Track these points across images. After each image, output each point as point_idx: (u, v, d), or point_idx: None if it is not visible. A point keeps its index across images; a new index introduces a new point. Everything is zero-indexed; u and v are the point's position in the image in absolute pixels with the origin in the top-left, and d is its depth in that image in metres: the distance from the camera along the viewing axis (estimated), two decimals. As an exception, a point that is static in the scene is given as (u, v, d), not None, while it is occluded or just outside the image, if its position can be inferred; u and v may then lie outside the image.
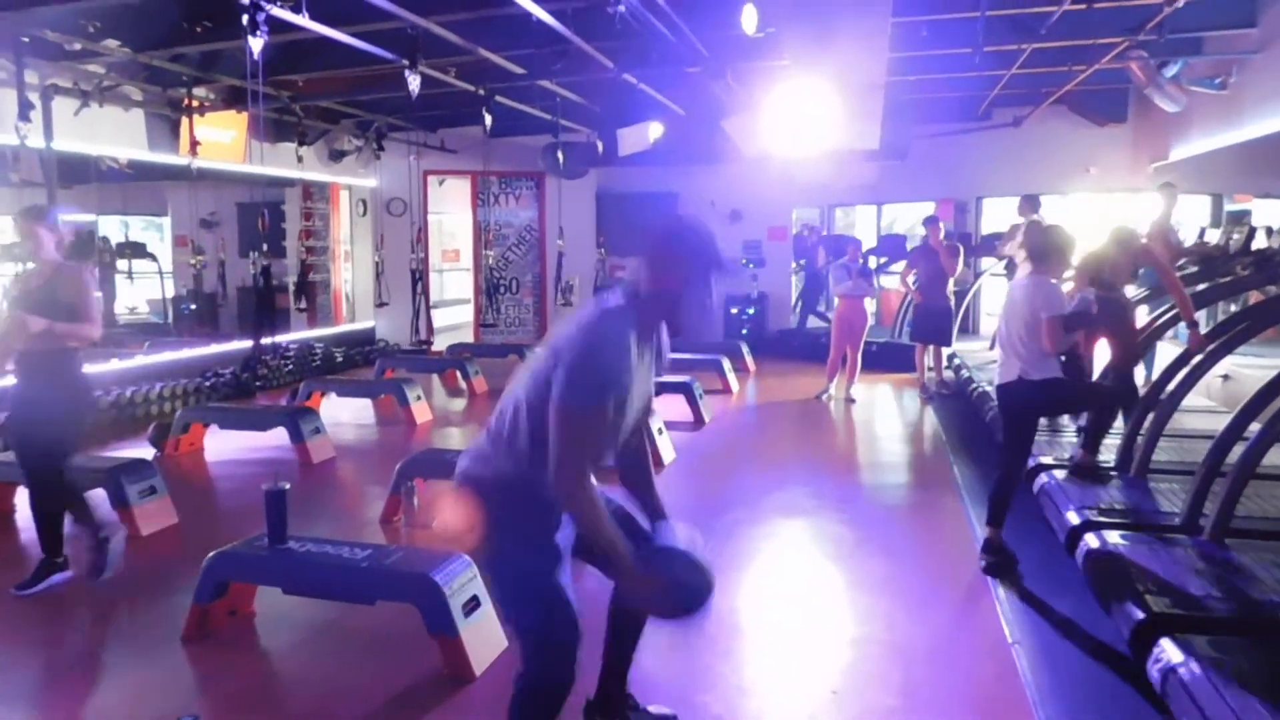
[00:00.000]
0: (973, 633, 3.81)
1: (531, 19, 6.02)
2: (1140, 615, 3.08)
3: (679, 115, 9.92)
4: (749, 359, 11.11)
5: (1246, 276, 6.32)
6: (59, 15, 6.47)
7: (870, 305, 9.69)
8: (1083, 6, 6.75)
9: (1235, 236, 7.35)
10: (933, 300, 9.02)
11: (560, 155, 10.79)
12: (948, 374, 9.25)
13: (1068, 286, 4.97)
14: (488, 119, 8.85)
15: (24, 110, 6.89)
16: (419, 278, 12.10)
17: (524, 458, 2.34)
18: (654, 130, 9.98)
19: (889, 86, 8.38)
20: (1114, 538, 3.80)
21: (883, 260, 12.83)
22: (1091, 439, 4.76)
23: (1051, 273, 4.48)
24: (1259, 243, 6.82)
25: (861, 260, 9.24)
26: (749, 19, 6.36)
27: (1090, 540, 3.85)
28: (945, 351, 9.34)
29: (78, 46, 7.04)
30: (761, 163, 10.83)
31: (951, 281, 9.12)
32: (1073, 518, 4.16)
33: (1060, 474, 4.82)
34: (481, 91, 8.62)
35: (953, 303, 9.26)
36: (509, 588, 2.41)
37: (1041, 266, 4.47)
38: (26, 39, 6.79)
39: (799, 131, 8.08)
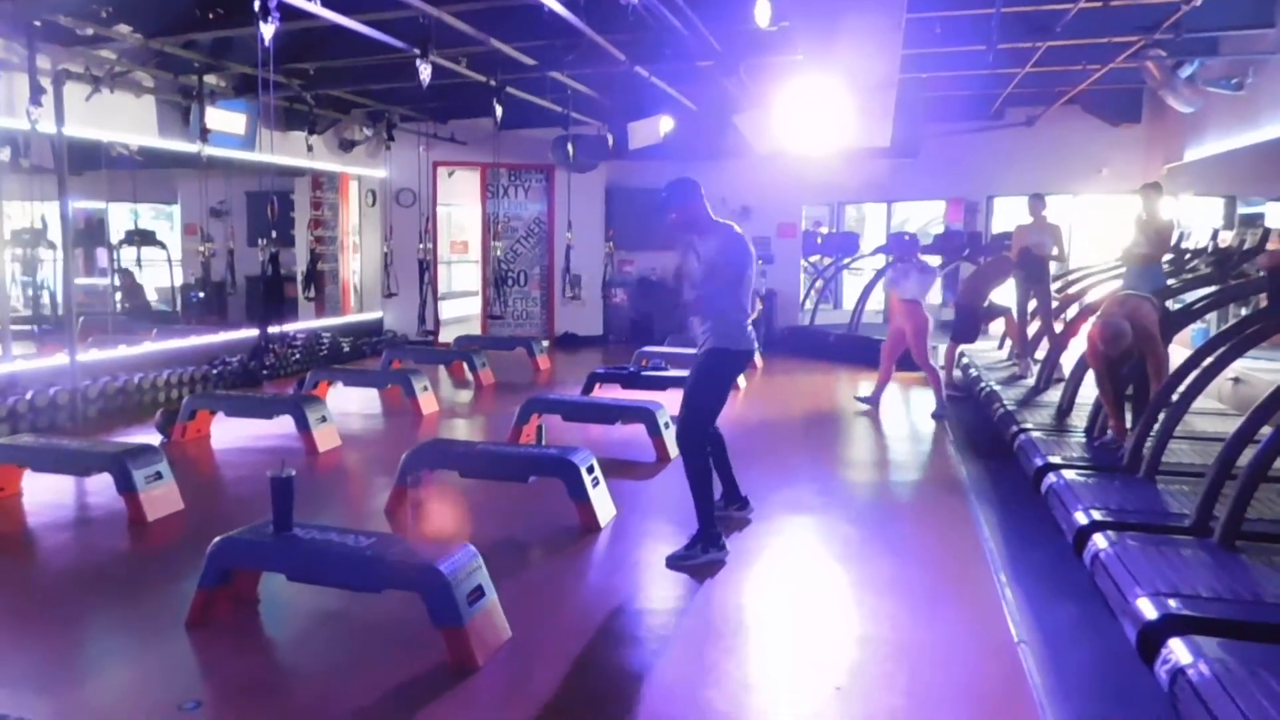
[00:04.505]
0: (979, 632, 3.78)
1: (544, 10, 6.01)
2: (1149, 616, 3.06)
3: (690, 110, 9.89)
4: (757, 356, 11.07)
5: (1259, 278, 6.28)
6: (71, 0, 6.47)
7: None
8: (1098, 4, 6.72)
9: (1249, 238, 7.31)
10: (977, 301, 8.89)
11: (570, 148, 10.79)
12: (956, 374, 9.22)
13: None
14: (498, 110, 8.83)
15: (36, 95, 6.90)
16: (426, 269, 12.10)
17: None
18: (665, 124, 9.96)
19: (901, 84, 8.35)
20: (1123, 539, 3.77)
21: (892, 258, 12.77)
22: None
23: None
24: (1274, 244, 6.78)
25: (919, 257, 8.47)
26: (762, 13, 6.33)
27: (1098, 541, 3.82)
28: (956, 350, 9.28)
29: (90, 32, 7.05)
30: (772, 159, 10.80)
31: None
32: (1081, 518, 4.13)
33: (1069, 474, 4.80)
34: (492, 83, 8.60)
35: None
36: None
37: None
38: (39, 23, 6.79)
39: (811, 128, 8.04)
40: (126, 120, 8.67)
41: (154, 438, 6.76)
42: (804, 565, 4.65)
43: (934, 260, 10.48)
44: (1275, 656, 2.73)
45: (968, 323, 8.95)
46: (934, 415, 8.15)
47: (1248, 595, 3.24)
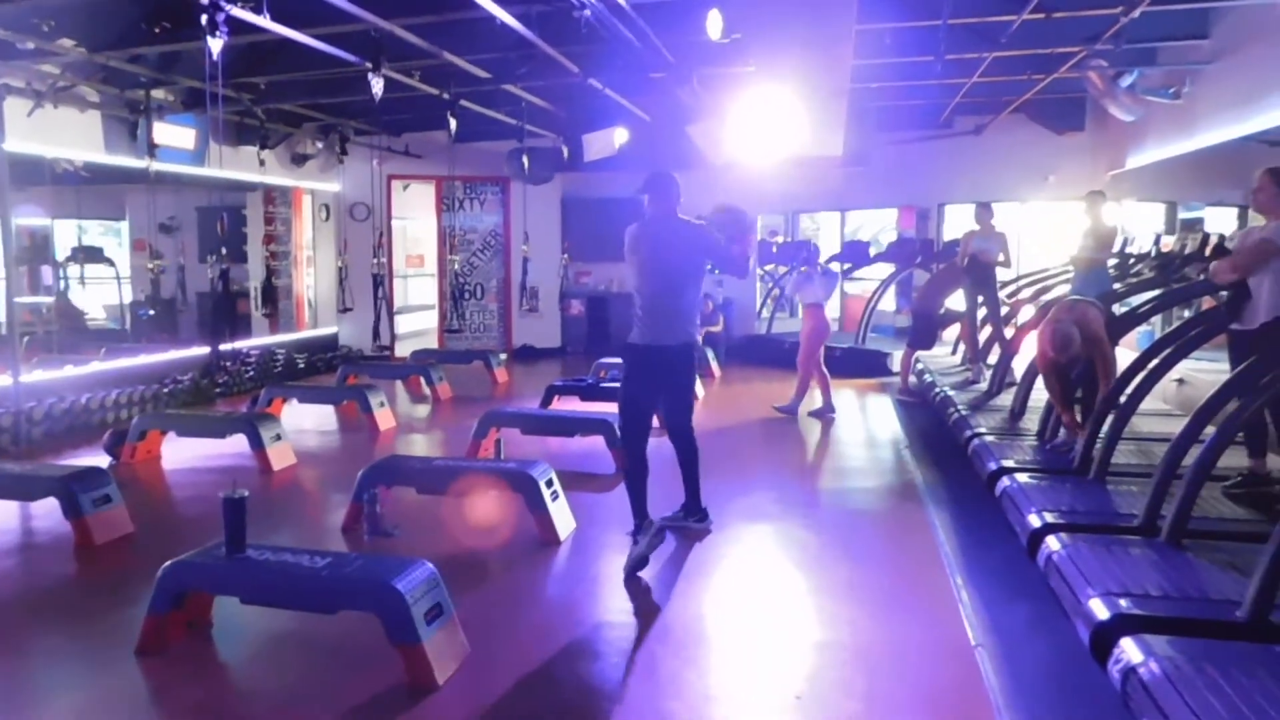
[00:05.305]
0: (936, 636, 3.82)
1: (496, 23, 6.00)
2: (1100, 616, 3.12)
3: (644, 121, 9.93)
4: (714, 365, 11.13)
5: (1200, 282, 6.43)
6: (11, 13, 6.34)
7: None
8: (1042, 16, 6.85)
9: (1190, 243, 7.49)
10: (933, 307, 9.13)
11: (525, 160, 10.77)
12: (912, 380, 9.32)
13: None
14: (452, 123, 8.79)
15: (-26, 110, 6.75)
16: (381, 283, 11.98)
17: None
18: (619, 136, 9.97)
19: (852, 94, 8.47)
20: (1074, 540, 3.84)
21: (846, 266, 12.93)
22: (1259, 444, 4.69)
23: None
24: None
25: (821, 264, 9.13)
26: (714, 24, 6.38)
27: (1051, 543, 3.88)
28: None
29: (31, 46, 6.89)
30: (726, 168, 10.87)
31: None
32: (1034, 521, 4.20)
33: (1022, 477, 4.87)
34: (446, 95, 8.56)
35: None
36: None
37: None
38: (-23, 38, 6.64)
39: (763, 138, 8.12)
40: (71, 135, 8.49)
41: (102, 460, 6.62)
42: (763, 573, 4.67)
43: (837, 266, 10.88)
44: (1220, 652, 2.79)
45: (924, 329, 9.10)
46: (796, 415, 8.54)
47: (1194, 593, 3.31)
